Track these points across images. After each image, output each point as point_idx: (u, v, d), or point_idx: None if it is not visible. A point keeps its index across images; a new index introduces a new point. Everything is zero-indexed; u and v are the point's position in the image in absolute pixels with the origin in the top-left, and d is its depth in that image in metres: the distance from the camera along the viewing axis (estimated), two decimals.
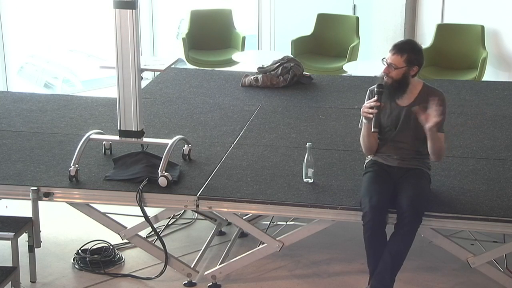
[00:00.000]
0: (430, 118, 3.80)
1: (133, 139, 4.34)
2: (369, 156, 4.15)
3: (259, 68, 6.25)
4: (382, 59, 3.92)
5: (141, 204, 4.08)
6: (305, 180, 4.20)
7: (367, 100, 4.02)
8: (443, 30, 7.72)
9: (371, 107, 3.86)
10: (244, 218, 4.30)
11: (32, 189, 4.11)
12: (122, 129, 4.31)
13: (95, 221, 4.28)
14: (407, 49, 3.87)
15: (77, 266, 4.47)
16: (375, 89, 3.90)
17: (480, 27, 7.49)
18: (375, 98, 3.88)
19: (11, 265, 4.08)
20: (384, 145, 4.04)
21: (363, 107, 3.91)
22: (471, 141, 4.84)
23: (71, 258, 4.54)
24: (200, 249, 4.54)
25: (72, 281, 4.34)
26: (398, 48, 3.87)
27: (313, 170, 4.19)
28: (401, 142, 4.00)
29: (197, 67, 7.92)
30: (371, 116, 3.87)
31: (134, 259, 4.56)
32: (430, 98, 3.86)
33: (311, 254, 4.59)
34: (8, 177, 4.29)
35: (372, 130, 3.91)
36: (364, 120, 3.95)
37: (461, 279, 4.31)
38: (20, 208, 4.73)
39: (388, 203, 3.85)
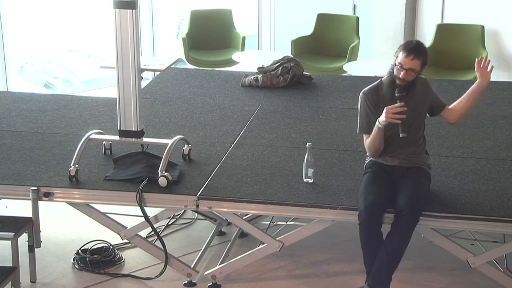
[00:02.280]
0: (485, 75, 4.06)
1: (133, 139, 4.34)
2: (368, 157, 4.15)
3: (259, 68, 6.25)
4: (396, 65, 3.86)
5: (141, 204, 4.08)
6: (305, 180, 4.20)
7: (365, 105, 3.99)
8: (443, 30, 7.72)
9: (397, 113, 3.81)
10: (244, 218, 4.30)
11: (32, 189, 4.11)
12: (122, 129, 4.31)
13: (95, 221, 4.28)
14: (423, 52, 3.87)
15: (77, 266, 4.47)
16: (397, 95, 3.85)
17: (480, 27, 7.49)
18: (399, 103, 3.83)
19: (11, 265, 4.08)
20: (385, 145, 4.03)
21: (386, 113, 3.82)
22: (471, 141, 4.84)
23: (71, 258, 4.54)
24: (200, 249, 4.54)
25: (72, 281, 4.34)
26: (417, 53, 3.83)
27: (313, 170, 4.19)
28: (402, 141, 3.99)
29: (197, 67, 7.92)
30: (398, 121, 3.83)
31: (134, 259, 4.56)
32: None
33: (311, 254, 4.59)
34: (8, 177, 4.29)
35: (401, 135, 3.88)
36: (380, 125, 3.87)
37: (461, 279, 4.31)
38: (20, 208, 4.73)
39: (385, 203, 3.85)
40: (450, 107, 4.11)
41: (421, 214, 3.80)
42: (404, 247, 3.80)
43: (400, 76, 3.85)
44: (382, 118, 3.85)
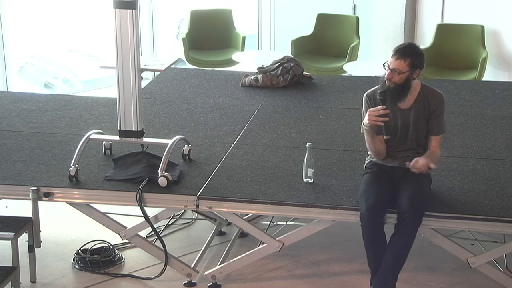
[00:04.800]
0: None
1: (133, 139, 4.34)
2: (368, 157, 4.15)
3: (259, 68, 6.25)
4: (384, 64, 3.89)
5: (141, 204, 4.08)
6: (305, 180, 4.20)
7: (365, 106, 4.00)
8: (443, 30, 7.72)
9: (380, 115, 3.82)
10: (244, 218, 4.30)
11: (32, 189, 4.11)
12: (122, 129, 4.31)
13: (95, 221, 4.28)
14: (410, 53, 3.85)
15: (77, 266, 4.47)
16: (379, 98, 3.86)
17: (480, 27, 7.49)
18: (381, 106, 3.84)
19: (11, 265, 4.08)
20: (386, 148, 4.03)
21: (369, 115, 3.85)
22: (471, 141, 4.84)
23: (71, 258, 4.54)
24: (200, 249, 4.54)
25: (72, 281, 4.34)
26: (401, 53, 3.84)
27: (313, 170, 4.19)
28: (403, 144, 4.00)
29: (197, 67, 7.92)
30: (381, 124, 3.85)
31: (134, 259, 4.56)
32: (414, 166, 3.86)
33: (311, 254, 4.59)
34: (8, 177, 4.29)
35: (384, 138, 3.89)
36: (365, 127, 3.91)
37: (461, 279, 4.31)
38: (20, 208, 4.73)
39: (386, 204, 3.85)
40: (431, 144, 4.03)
41: (424, 215, 3.80)
42: (409, 247, 3.81)
43: (386, 75, 3.86)
44: (366, 120, 3.88)
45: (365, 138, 3.99)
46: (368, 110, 3.88)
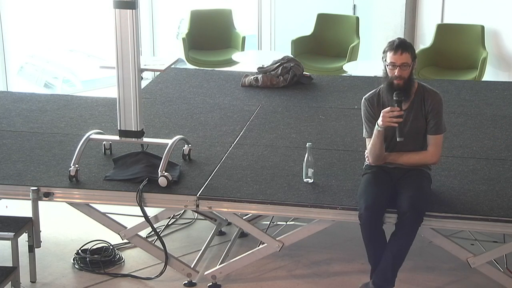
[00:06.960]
0: None
1: (133, 139, 4.34)
2: (367, 159, 4.14)
3: (259, 68, 6.25)
4: (388, 64, 3.87)
5: (141, 204, 4.08)
6: (305, 180, 4.20)
7: (365, 110, 4.00)
8: (443, 30, 7.72)
9: (395, 116, 3.81)
10: (244, 218, 4.30)
11: (32, 189, 4.11)
12: (122, 129, 4.31)
13: (95, 221, 4.28)
14: (407, 45, 3.91)
15: (77, 266, 4.47)
16: (395, 99, 3.85)
17: (480, 27, 7.48)
18: (396, 107, 3.82)
19: (11, 265, 4.08)
20: (388, 150, 4.02)
21: (383, 116, 3.83)
22: (471, 141, 4.84)
23: (71, 258, 4.54)
24: (200, 249, 4.54)
25: (72, 281, 4.34)
26: (403, 47, 3.87)
27: (313, 170, 4.19)
28: (401, 144, 3.99)
29: (197, 67, 7.92)
30: (396, 125, 3.84)
31: (134, 259, 4.56)
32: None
33: (311, 254, 4.59)
34: (8, 177, 4.29)
35: (398, 139, 3.88)
36: (379, 128, 3.88)
37: (461, 279, 4.31)
38: (20, 208, 4.73)
39: (385, 203, 3.85)
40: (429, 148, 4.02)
41: (424, 215, 3.80)
42: (409, 246, 3.82)
43: (396, 74, 3.85)
44: (380, 121, 3.87)
45: (372, 140, 3.94)
46: (382, 112, 3.86)
